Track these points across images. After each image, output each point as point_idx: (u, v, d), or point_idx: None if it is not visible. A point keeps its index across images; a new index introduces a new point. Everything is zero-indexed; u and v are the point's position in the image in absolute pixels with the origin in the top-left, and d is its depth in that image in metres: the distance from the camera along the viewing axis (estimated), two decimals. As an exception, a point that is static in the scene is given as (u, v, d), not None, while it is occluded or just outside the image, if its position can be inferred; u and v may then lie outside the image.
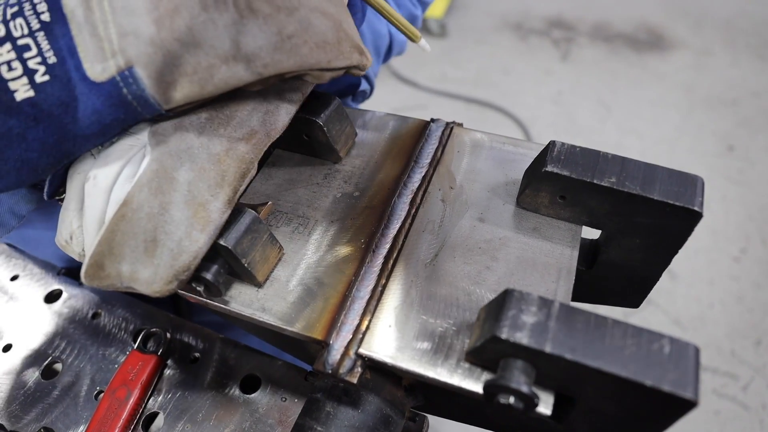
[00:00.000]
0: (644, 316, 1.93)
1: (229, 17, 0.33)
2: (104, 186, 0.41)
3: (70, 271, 0.71)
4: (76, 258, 0.44)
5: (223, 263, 0.43)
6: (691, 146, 2.46)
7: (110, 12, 0.33)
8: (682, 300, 1.97)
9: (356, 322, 0.43)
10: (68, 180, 0.44)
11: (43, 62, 0.34)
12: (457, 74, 2.90)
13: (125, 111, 0.35)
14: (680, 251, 0.46)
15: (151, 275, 0.39)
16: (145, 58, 0.33)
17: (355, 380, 0.41)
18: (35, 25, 0.33)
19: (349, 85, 0.71)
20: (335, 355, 0.42)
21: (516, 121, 2.62)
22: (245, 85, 0.37)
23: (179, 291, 0.43)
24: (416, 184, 0.52)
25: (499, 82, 2.83)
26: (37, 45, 0.33)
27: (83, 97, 0.34)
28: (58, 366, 0.63)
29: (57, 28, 0.33)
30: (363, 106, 0.91)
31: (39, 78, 0.34)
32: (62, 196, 0.50)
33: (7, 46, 0.33)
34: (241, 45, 0.34)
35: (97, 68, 0.33)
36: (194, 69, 0.33)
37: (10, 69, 0.34)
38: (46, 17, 0.34)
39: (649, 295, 0.52)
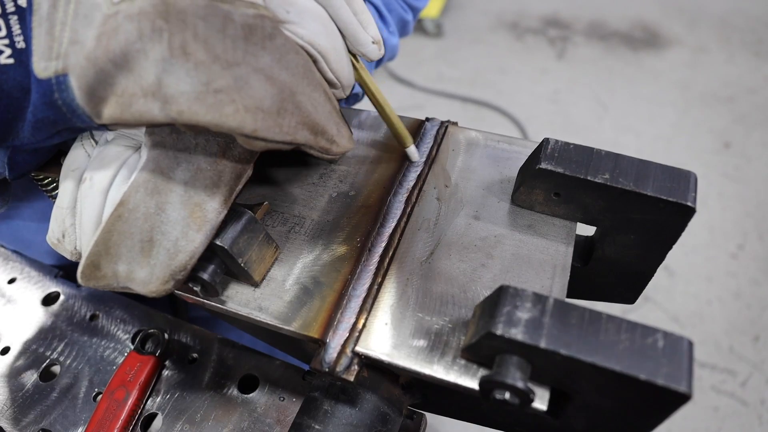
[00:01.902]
0: (643, 313, 1.93)
1: (160, 53, 0.32)
2: (101, 188, 0.41)
3: (67, 273, 0.71)
4: (68, 256, 0.44)
5: (220, 263, 0.43)
6: (687, 143, 2.47)
7: (72, 16, 0.33)
8: (680, 297, 1.97)
9: (353, 320, 0.43)
10: (61, 177, 0.44)
11: (11, 45, 0.34)
12: (453, 74, 2.90)
13: (55, 113, 0.35)
14: (678, 248, 0.46)
15: (148, 275, 0.39)
16: (79, 70, 0.33)
17: (352, 378, 0.41)
18: (11, 7, 0.33)
19: None
20: (332, 353, 0.42)
21: (513, 120, 2.62)
22: (177, 125, 0.35)
23: (176, 291, 0.43)
24: (411, 183, 0.52)
25: (495, 81, 2.84)
26: (8, 27, 0.33)
27: (34, 86, 0.35)
28: (56, 368, 0.63)
29: (29, 16, 0.34)
30: (360, 105, 0.91)
31: (3, 59, 0.34)
32: (48, 188, 0.50)
33: None
34: (163, 84, 0.33)
35: (41, 65, 0.34)
36: (122, 92, 0.33)
37: None
38: (23, 2, 0.34)
39: (647, 293, 0.53)
